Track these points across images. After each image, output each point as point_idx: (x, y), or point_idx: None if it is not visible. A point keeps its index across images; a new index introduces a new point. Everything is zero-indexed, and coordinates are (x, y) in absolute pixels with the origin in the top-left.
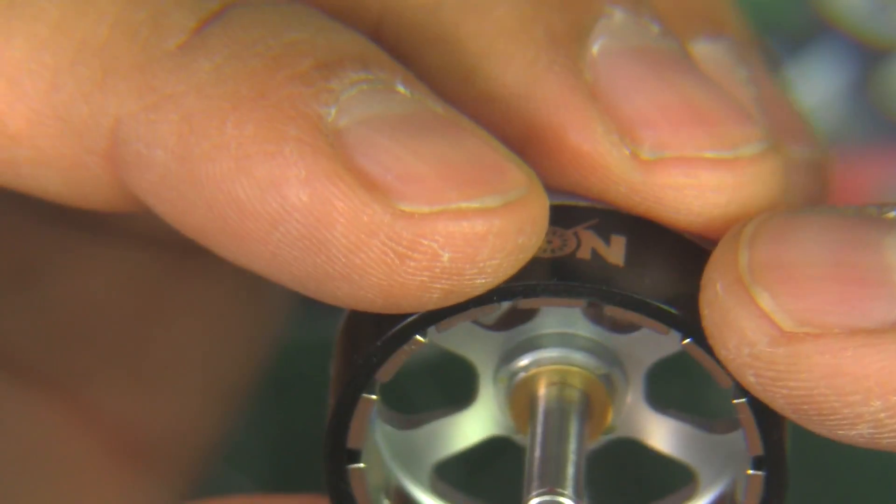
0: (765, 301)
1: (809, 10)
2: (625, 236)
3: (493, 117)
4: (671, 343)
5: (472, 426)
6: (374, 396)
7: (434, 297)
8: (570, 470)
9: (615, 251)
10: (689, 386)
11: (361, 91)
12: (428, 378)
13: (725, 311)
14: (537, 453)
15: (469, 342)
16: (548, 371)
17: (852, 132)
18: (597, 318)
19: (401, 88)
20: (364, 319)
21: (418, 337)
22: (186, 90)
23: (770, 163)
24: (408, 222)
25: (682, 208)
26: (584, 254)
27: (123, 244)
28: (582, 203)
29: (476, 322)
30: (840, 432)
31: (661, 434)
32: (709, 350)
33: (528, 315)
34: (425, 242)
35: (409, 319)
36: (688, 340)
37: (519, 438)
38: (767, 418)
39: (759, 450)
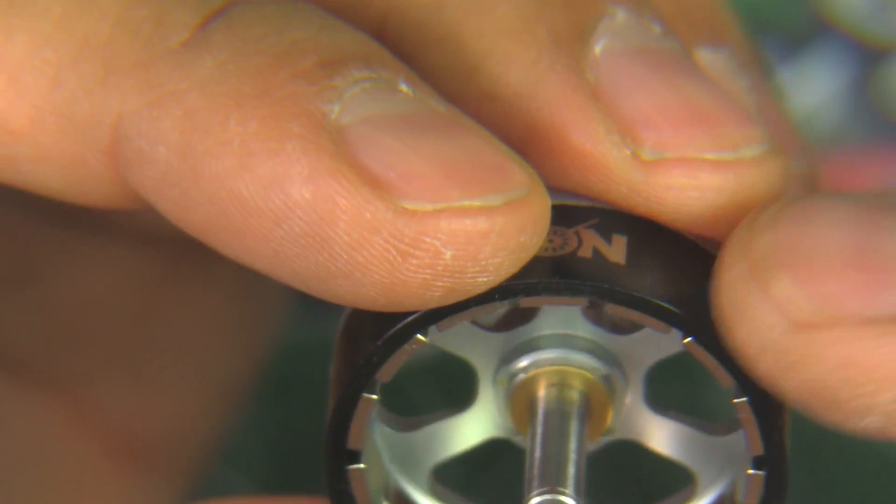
0: (782, 287)
1: (809, 10)
2: (626, 236)
3: (495, 116)
4: (671, 344)
5: (471, 428)
6: (374, 396)
7: (436, 296)
8: (571, 470)
9: (616, 250)
10: (688, 387)
11: (364, 89)
12: (427, 380)
13: (741, 298)
14: (537, 453)
15: (469, 343)
16: (548, 372)
17: (852, 132)
18: (597, 320)
19: (403, 87)
20: (364, 319)
21: (419, 336)
22: (189, 87)
23: (770, 164)
24: (410, 220)
25: (683, 209)
26: (585, 252)
27: (123, 244)
28: (583, 203)
29: (476, 324)
30: (850, 424)
31: (661, 436)
32: (710, 348)
33: (528, 316)
34: (428, 240)
35: (410, 318)
36: (689, 339)
37: (518, 440)
38: (768, 418)
39: (759, 450)
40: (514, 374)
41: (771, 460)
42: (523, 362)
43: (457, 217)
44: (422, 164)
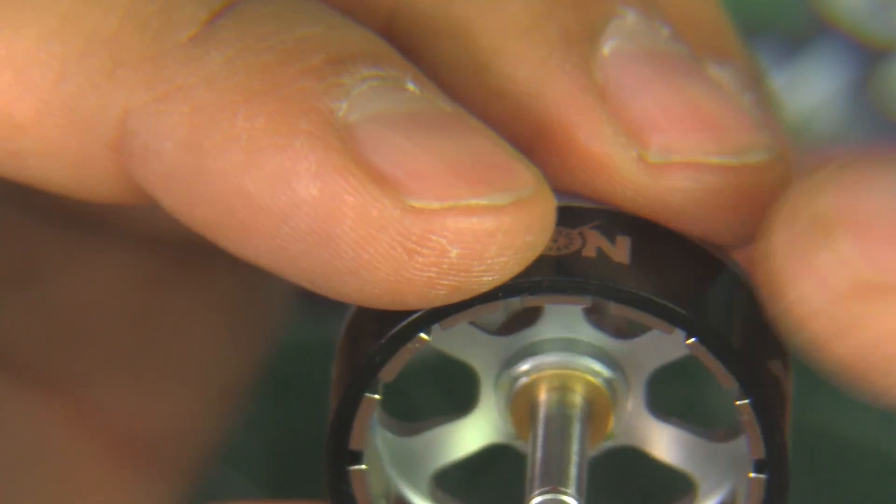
0: (842, 249)
1: (809, 10)
2: (630, 237)
3: (503, 114)
4: (673, 349)
5: (472, 433)
6: (377, 396)
7: (441, 294)
8: (573, 471)
9: (620, 250)
10: (689, 393)
11: (372, 87)
12: (429, 385)
13: (786, 265)
14: (539, 454)
15: (471, 347)
16: (549, 376)
17: (852, 132)
18: (599, 324)
19: (411, 86)
20: (367, 319)
21: (422, 335)
22: (197, 82)
23: (774, 170)
24: (417, 218)
25: (688, 212)
26: (589, 252)
27: (123, 245)
28: (587, 205)
29: (478, 327)
30: (890, 395)
31: (662, 442)
32: (713, 349)
33: (531, 320)
34: (434, 238)
35: (414, 316)
36: (692, 340)
37: (519, 445)
38: (770, 420)
39: (760, 453)
40: (516, 378)
41: (772, 463)
42: (525, 366)
43: (464, 215)
44: (429, 163)
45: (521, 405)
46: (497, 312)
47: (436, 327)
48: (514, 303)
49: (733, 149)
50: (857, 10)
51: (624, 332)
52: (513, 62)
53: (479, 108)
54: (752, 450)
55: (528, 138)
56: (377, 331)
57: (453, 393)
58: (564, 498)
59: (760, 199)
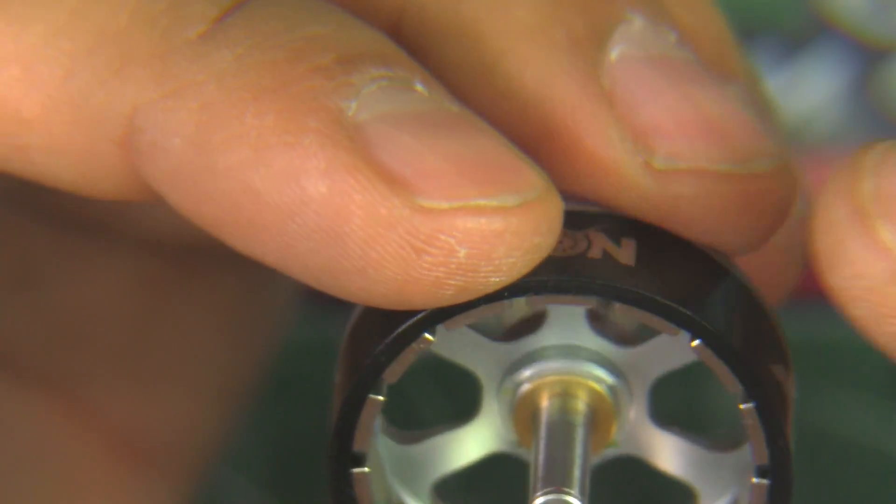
0: (888, 234)
1: (809, 10)
2: (635, 240)
3: (508, 116)
4: (676, 357)
5: (474, 442)
6: (380, 398)
7: (447, 294)
8: (577, 473)
9: (626, 253)
10: (691, 403)
11: (381, 87)
12: (431, 393)
13: (843, 240)
14: (542, 457)
15: (474, 354)
16: (552, 382)
17: (852, 132)
18: (602, 331)
19: (419, 87)
20: (372, 321)
21: (427, 335)
22: (207, 79)
23: (780, 178)
24: (426, 217)
25: (693, 219)
26: (595, 254)
27: (125, 247)
28: (592, 208)
29: (482, 333)
30: None
31: (664, 452)
32: (719, 351)
33: (534, 326)
34: (442, 237)
35: (419, 316)
36: (697, 342)
37: (521, 453)
38: (774, 425)
39: (764, 458)
40: (519, 384)
41: (775, 469)
42: (528, 372)
43: (472, 215)
44: (438, 162)
45: (523, 412)
46: (500, 317)
47: (440, 328)
48: (520, 303)
49: (739, 157)
50: (857, 10)
51: (627, 339)
52: (520, 65)
53: (486, 110)
54: (756, 455)
55: (534, 141)
56: (382, 331)
57: (455, 401)
58: (568, 498)
59: (765, 207)
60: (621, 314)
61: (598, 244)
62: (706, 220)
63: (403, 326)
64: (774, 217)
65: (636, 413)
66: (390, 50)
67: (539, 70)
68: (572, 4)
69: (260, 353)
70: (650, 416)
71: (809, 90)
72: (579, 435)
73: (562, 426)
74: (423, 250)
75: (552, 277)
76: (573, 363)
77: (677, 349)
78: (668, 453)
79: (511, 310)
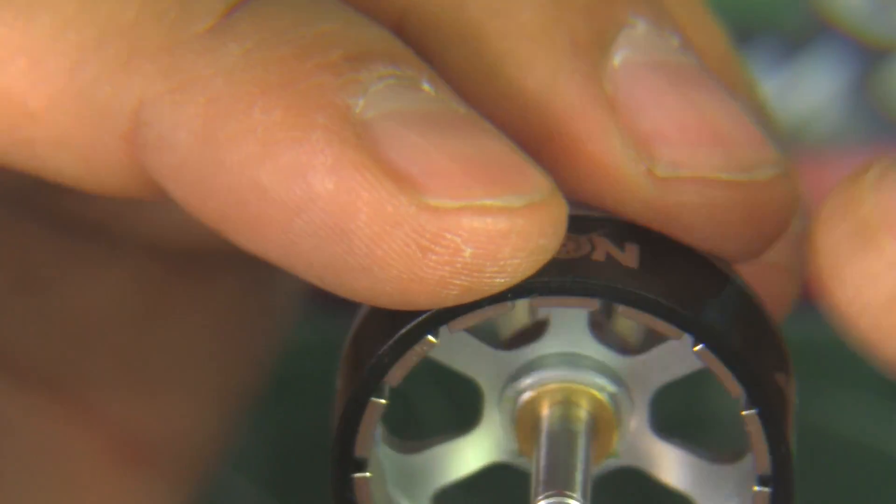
0: (885, 254)
1: (809, 10)
2: (638, 244)
3: (511, 120)
4: (677, 366)
5: (475, 451)
6: (383, 401)
7: (452, 294)
8: (579, 477)
9: (629, 256)
10: (693, 413)
11: (389, 85)
12: (433, 402)
13: (845, 259)
14: (543, 461)
15: (476, 362)
16: (554, 390)
17: (852, 132)
18: (604, 339)
19: (426, 86)
20: (374, 324)
21: (430, 337)
22: (214, 73)
23: (781, 186)
24: (432, 215)
25: (695, 226)
26: (598, 257)
27: (128, 251)
28: (595, 213)
29: (484, 341)
30: None
31: (665, 464)
32: (721, 355)
33: (536, 334)
34: (449, 236)
35: (423, 316)
36: (700, 346)
37: (522, 463)
38: (776, 431)
39: (765, 464)
40: (520, 392)
41: (777, 476)
42: (529, 380)
43: (479, 215)
44: (445, 162)
45: (525, 420)
46: (503, 324)
47: (444, 331)
48: (522, 310)
49: (742, 164)
50: (857, 10)
51: (629, 348)
52: (522, 70)
53: (487, 113)
54: (758, 463)
55: (536, 146)
56: (385, 333)
57: (457, 411)
58: (570, 501)
59: (767, 215)
60: (624, 318)
61: (602, 248)
62: (708, 227)
63: (407, 327)
64: (776, 225)
65: (637, 423)
66: (398, 48)
67: (542, 74)
68: (576, 8)
69: (261, 355)
70: (651, 427)
71: (809, 90)
72: (581, 442)
73: (563, 433)
74: (428, 249)
75: (555, 278)
76: (575, 371)
77: (679, 358)
78: (669, 465)
79: (513, 318)
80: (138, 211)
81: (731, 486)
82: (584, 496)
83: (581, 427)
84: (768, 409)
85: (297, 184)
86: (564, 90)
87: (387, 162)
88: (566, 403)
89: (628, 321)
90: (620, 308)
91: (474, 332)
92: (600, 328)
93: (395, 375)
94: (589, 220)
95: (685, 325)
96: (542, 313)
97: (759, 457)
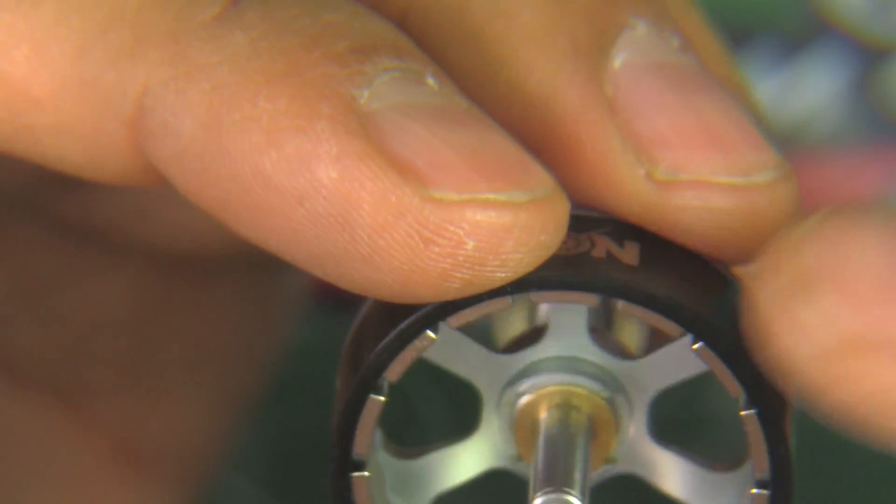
0: (824, 307)
1: (809, 10)
2: (638, 243)
3: (511, 122)
4: (677, 370)
5: (473, 457)
6: (382, 398)
7: (453, 287)
8: (577, 475)
9: (629, 254)
10: (691, 421)
11: (393, 78)
12: (432, 408)
13: (778, 314)
14: (542, 460)
15: (475, 365)
16: (553, 393)
17: (852, 132)
18: (603, 343)
19: (430, 81)
20: (376, 317)
21: (430, 333)
22: (220, 61)
23: (781, 190)
24: (436, 207)
25: (694, 229)
26: (599, 254)
27: (129, 255)
28: (595, 214)
29: (483, 344)
30: (887, 443)
31: (663, 470)
32: (721, 353)
33: (535, 338)
34: (451, 228)
35: (424, 311)
36: (700, 344)
37: (521, 468)
38: (775, 432)
39: (764, 466)
40: (519, 396)
41: (776, 477)
42: (528, 383)
43: (482, 209)
44: (449, 155)
45: (523, 424)
46: (501, 327)
47: (443, 327)
48: (521, 313)
49: (742, 168)
50: (857, 10)
51: (627, 352)
52: (523, 72)
53: (488, 113)
54: (756, 464)
55: (536, 148)
56: (384, 329)
57: (455, 417)
58: (569, 498)
59: (767, 218)
60: (624, 324)
61: (602, 245)
62: (708, 231)
63: (407, 321)
64: (775, 229)
65: (636, 428)
66: (403, 42)
67: (542, 76)
68: (577, 10)
69: (262, 359)
70: (650, 433)
71: (809, 90)
72: (579, 443)
73: (562, 434)
74: (431, 240)
75: (556, 273)
76: (574, 375)
77: (677, 362)
78: (668, 472)
79: (512, 323)
80: (139, 216)
81: (729, 494)
82: (582, 494)
83: (580, 429)
84: (768, 409)
85: (301, 173)
86: (565, 92)
87: (391, 153)
88: (565, 406)
89: (628, 328)
90: (620, 305)
91: (473, 335)
92: (599, 332)
93: (395, 371)
94: (589, 219)
95: (686, 321)
96: (540, 318)
97: (758, 458)
